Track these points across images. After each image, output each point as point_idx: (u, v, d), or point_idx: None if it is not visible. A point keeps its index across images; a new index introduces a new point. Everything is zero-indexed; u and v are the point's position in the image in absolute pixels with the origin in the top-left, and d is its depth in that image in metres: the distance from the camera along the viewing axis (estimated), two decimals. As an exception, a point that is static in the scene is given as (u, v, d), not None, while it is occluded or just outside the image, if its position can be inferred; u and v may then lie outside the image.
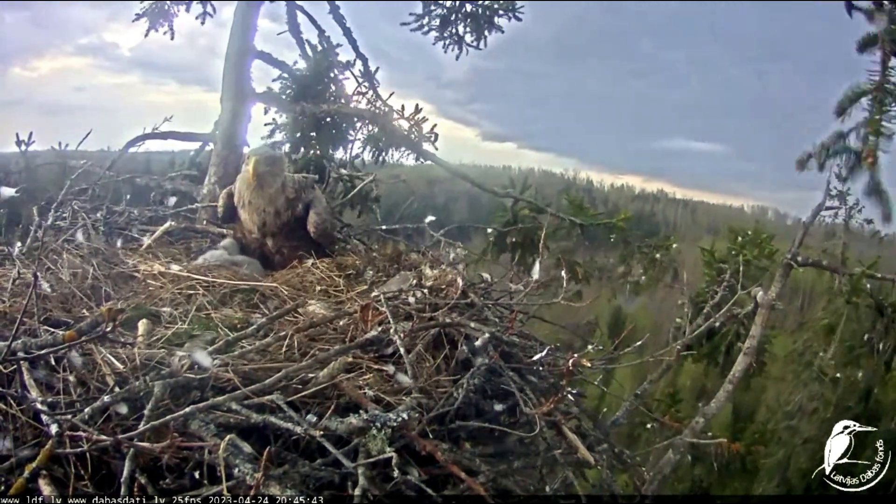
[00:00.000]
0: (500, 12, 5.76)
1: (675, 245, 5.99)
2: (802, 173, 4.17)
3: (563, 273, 3.80)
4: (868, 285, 5.64)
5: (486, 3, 5.73)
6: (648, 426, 5.30)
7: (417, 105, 5.56)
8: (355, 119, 5.61)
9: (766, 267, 5.72)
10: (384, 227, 4.87)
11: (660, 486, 3.81)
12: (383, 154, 5.64)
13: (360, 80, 5.76)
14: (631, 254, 5.80)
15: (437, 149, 5.50)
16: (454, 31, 5.81)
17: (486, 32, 5.81)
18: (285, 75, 5.50)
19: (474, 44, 5.83)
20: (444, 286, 3.18)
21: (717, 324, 4.84)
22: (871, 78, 3.90)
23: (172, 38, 5.74)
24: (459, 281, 3.18)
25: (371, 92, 5.77)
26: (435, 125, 5.55)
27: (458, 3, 5.76)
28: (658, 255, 5.78)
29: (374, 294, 2.95)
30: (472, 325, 2.76)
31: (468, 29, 5.80)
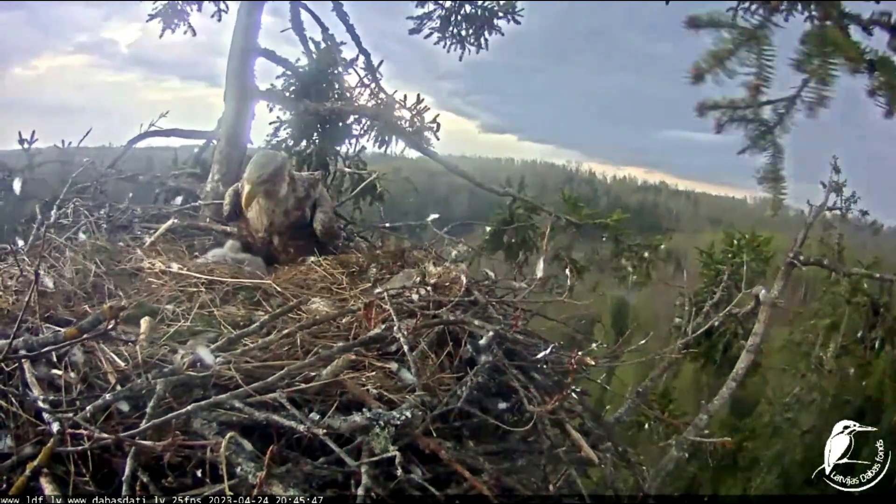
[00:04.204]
0: (500, 14, 5.76)
1: (662, 246, 5.99)
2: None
3: (567, 271, 3.79)
4: (865, 284, 5.65)
5: (486, 4, 5.73)
6: (646, 426, 5.32)
7: (419, 95, 5.51)
8: (358, 115, 5.59)
9: (762, 271, 5.76)
10: (387, 223, 4.85)
11: (662, 483, 3.81)
12: (387, 145, 5.62)
13: (364, 74, 5.75)
14: (621, 251, 5.82)
15: (438, 138, 5.46)
16: (455, 31, 5.81)
17: (487, 34, 5.81)
18: (288, 73, 5.48)
19: (475, 44, 5.83)
20: (447, 283, 3.17)
21: (716, 323, 4.86)
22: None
23: (195, 35, 5.75)
24: (463, 278, 3.16)
25: (374, 85, 5.75)
26: (437, 115, 5.49)
27: (457, 3, 5.75)
28: (647, 255, 5.79)
29: (377, 291, 2.94)
30: (476, 322, 2.75)
31: (469, 31, 5.80)
